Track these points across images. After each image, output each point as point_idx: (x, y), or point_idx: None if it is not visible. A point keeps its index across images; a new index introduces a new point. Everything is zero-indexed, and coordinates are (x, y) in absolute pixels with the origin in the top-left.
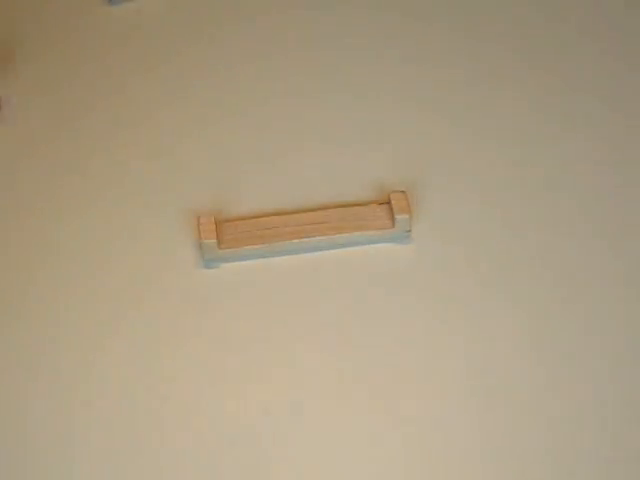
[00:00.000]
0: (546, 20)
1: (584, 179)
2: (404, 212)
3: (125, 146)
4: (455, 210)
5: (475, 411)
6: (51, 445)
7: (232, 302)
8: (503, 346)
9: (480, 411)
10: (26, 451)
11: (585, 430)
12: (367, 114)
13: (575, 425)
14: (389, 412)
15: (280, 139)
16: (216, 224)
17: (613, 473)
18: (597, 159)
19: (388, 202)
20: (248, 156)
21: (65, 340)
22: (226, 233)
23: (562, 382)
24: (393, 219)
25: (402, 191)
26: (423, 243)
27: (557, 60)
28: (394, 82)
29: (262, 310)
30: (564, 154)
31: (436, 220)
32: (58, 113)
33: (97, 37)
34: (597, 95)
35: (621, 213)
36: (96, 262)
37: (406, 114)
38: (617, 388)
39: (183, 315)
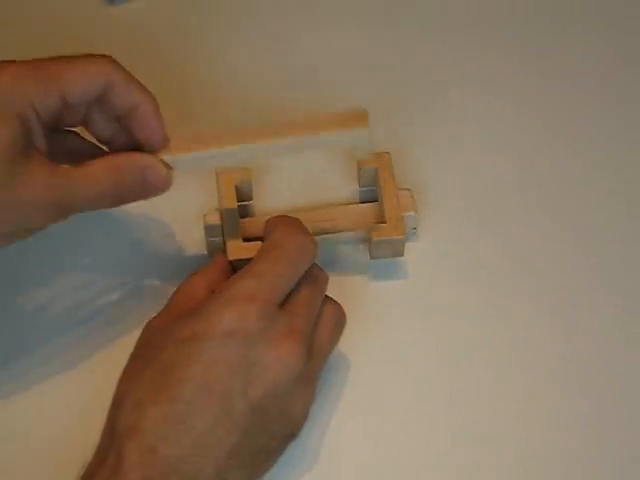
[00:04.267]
0: None
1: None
2: (410, 210)
3: None
4: (463, 207)
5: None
6: None
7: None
8: (519, 347)
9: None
10: None
11: None
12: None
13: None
14: (384, 413)
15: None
16: None
17: None
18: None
19: None
20: None
21: None
22: None
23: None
24: None
25: (408, 189)
26: (429, 241)
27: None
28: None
29: None
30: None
31: (442, 217)
32: None
33: (97, 37)
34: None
35: None
36: None
37: (414, 109)
38: None
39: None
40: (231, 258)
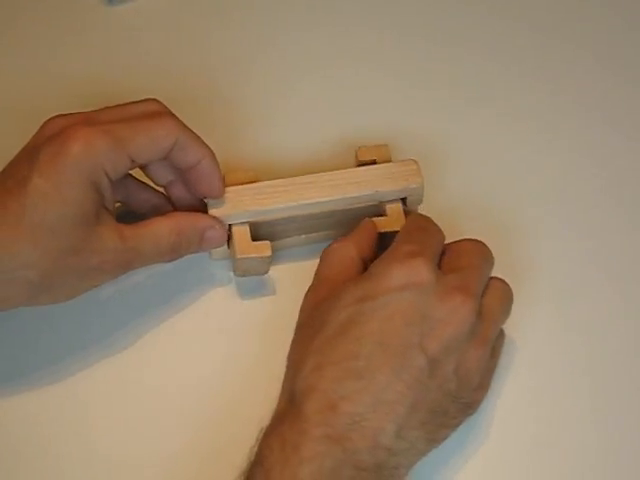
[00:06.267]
0: None
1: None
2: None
3: None
4: (457, 204)
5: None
6: None
7: None
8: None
9: None
10: None
11: None
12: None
13: None
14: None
15: (280, 145)
16: None
17: None
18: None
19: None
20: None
21: None
22: None
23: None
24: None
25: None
26: None
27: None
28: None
29: None
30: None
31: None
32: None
33: (97, 37)
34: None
35: None
36: None
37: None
38: None
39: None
40: (239, 257)
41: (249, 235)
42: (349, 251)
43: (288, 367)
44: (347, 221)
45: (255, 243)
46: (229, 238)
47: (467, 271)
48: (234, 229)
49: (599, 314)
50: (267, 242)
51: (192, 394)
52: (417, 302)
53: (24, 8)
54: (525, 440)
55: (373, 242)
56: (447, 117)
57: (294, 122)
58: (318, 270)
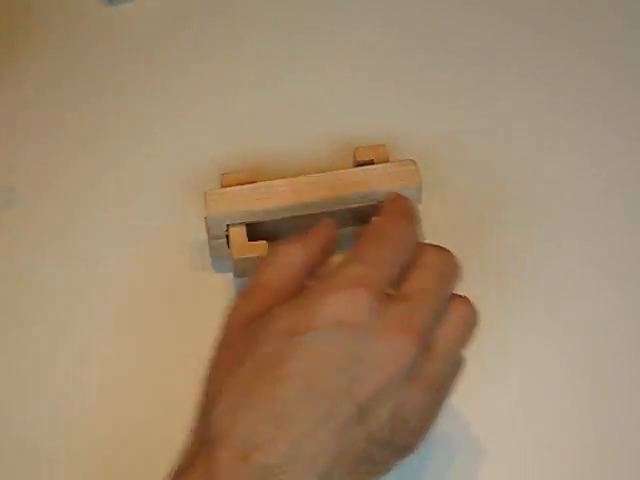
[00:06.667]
0: None
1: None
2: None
3: (122, 147)
4: (456, 204)
5: None
6: None
7: None
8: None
9: None
10: None
11: None
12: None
13: None
14: None
15: (279, 145)
16: None
17: None
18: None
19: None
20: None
21: None
22: None
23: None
24: None
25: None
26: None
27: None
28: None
29: None
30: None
31: (442, 215)
32: (57, 113)
33: (97, 37)
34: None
35: None
36: None
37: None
38: None
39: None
40: (236, 257)
41: (245, 235)
42: (294, 255)
43: (203, 392)
44: (346, 221)
45: (251, 243)
46: (227, 239)
47: (418, 300)
48: (231, 230)
49: (599, 314)
50: (264, 242)
51: (189, 395)
52: (350, 343)
53: (23, 8)
54: (524, 440)
55: (328, 244)
56: (446, 117)
57: (292, 122)
58: (254, 274)
